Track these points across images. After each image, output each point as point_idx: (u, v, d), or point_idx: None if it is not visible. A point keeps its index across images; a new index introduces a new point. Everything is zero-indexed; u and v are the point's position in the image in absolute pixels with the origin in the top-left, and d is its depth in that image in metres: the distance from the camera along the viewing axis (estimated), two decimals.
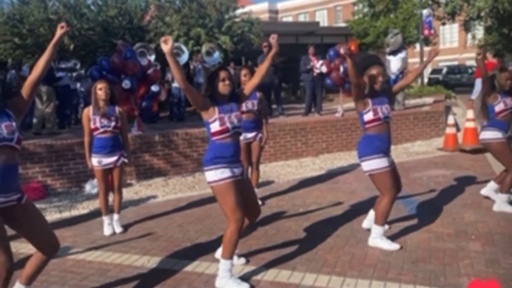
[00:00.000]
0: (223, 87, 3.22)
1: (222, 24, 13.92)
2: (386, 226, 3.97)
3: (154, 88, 7.97)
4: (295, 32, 20.26)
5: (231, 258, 3.18)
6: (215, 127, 3.18)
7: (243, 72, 4.97)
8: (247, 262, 3.60)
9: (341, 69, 8.84)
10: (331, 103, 13.02)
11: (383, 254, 3.67)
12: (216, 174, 3.15)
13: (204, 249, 3.92)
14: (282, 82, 13.41)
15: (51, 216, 5.27)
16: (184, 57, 10.82)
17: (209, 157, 3.21)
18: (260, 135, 5.10)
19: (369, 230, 4.00)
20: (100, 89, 4.36)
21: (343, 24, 27.24)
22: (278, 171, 7.14)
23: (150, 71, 7.88)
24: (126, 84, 7.20)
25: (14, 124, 2.65)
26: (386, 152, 3.81)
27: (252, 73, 5.05)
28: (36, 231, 2.81)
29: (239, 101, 3.40)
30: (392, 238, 3.95)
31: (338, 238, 4.09)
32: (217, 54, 10.81)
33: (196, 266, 3.60)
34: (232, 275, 3.20)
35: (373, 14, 21.35)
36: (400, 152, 8.19)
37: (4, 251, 2.62)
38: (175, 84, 10.55)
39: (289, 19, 44.87)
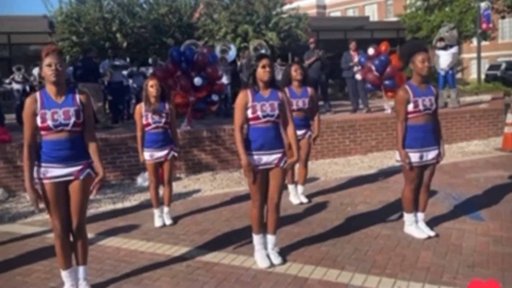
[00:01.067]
0: (263, 73, 3.37)
1: (269, 20, 13.92)
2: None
3: (214, 97, 8.14)
4: (343, 27, 19.92)
5: (256, 233, 3.52)
6: (248, 114, 3.41)
7: (294, 67, 4.94)
8: (284, 262, 3.57)
9: (373, 67, 8.61)
10: (379, 100, 12.67)
11: (436, 257, 3.54)
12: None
13: (251, 244, 3.92)
14: (329, 78, 13.22)
15: (105, 207, 5.49)
16: (232, 54, 10.94)
17: (245, 140, 3.44)
18: (309, 132, 5.06)
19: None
20: (152, 86, 4.47)
21: (394, 19, 26.41)
22: (325, 169, 7.05)
23: (218, 81, 8.16)
24: (198, 82, 7.42)
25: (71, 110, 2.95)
26: (423, 146, 3.77)
27: (302, 68, 5.01)
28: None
29: (277, 92, 3.47)
30: (447, 240, 3.81)
31: (388, 239, 3.98)
32: (263, 51, 10.82)
33: (244, 261, 3.62)
34: (260, 250, 3.52)
35: (426, 7, 20.55)
36: (455, 152, 7.85)
37: (58, 220, 2.92)
38: (222, 81, 10.66)
39: (337, 14, 44.11)
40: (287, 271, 3.41)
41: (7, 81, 10.99)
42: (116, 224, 4.78)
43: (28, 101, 2.94)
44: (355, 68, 9.23)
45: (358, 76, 8.97)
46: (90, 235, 4.34)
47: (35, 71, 10.69)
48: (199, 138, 7.31)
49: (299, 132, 4.95)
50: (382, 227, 4.28)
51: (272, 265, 3.47)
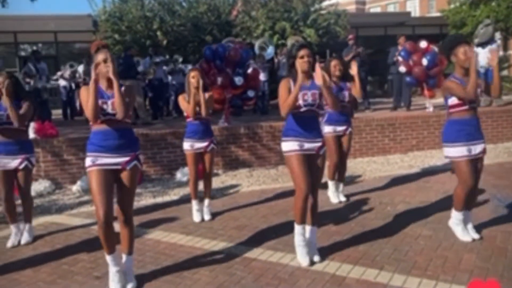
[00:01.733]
0: (302, 63, 3.38)
1: (308, 17, 13.81)
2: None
3: (250, 93, 8.19)
4: (383, 23, 19.46)
5: (299, 223, 3.46)
6: None
7: (333, 63, 4.91)
8: (321, 260, 3.55)
9: (425, 62, 8.33)
10: (420, 98, 12.34)
11: (480, 260, 3.42)
12: (287, 146, 3.45)
13: (289, 241, 3.93)
14: (368, 75, 12.99)
15: (146, 200, 5.65)
16: (269, 51, 10.95)
17: (284, 129, 3.54)
18: (350, 129, 5.01)
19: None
20: (193, 77, 4.55)
21: (436, 14, 25.58)
22: (363, 167, 6.95)
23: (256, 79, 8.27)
24: (239, 81, 7.53)
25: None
26: (470, 140, 3.64)
27: (342, 64, 4.97)
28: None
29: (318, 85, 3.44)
30: (491, 243, 3.68)
31: (429, 240, 3.89)
32: None
33: (281, 258, 3.63)
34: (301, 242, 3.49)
35: (472, 2, 19.75)
36: (501, 152, 7.55)
37: (102, 207, 2.99)
38: (260, 78, 10.70)
39: (377, 10, 43.19)
40: (324, 269, 3.39)
41: (54, 77, 11.46)
42: (156, 217, 4.91)
43: (83, 89, 3.12)
44: (399, 59, 8.93)
45: (403, 69, 8.68)
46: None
47: (80, 68, 11.09)
48: (236, 134, 7.37)
49: (340, 128, 4.94)
50: (422, 227, 4.18)
51: (312, 263, 3.46)
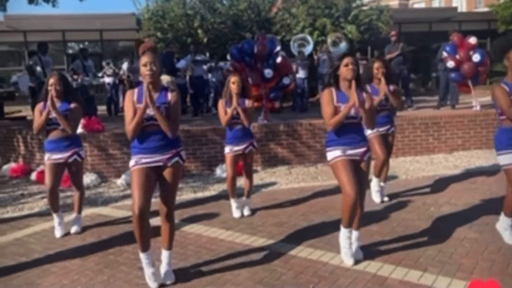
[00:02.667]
0: (346, 71, 3.32)
1: (349, 13, 13.61)
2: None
3: (286, 80, 8.17)
4: (428, 19, 18.88)
5: (346, 227, 3.43)
6: None
7: (376, 65, 4.72)
8: (363, 259, 3.52)
9: (477, 58, 7.99)
10: (467, 96, 11.90)
11: None
12: (331, 154, 3.43)
13: (329, 240, 3.92)
14: (411, 72, 12.66)
15: (187, 195, 5.76)
16: (309, 48, 10.86)
17: (327, 140, 3.50)
18: (392, 128, 4.91)
19: None
20: (233, 83, 4.54)
21: (484, 9, 24.54)
22: (406, 167, 6.79)
23: (288, 68, 8.22)
24: (268, 74, 7.53)
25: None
26: None
27: (385, 66, 4.78)
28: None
29: (362, 93, 3.39)
30: None
31: (475, 242, 3.76)
32: (343, 44, 10.62)
33: (321, 256, 3.62)
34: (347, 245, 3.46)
35: None
36: None
37: (140, 202, 3.04)
38: (299, 75, 10.65)
39: (422, 5, 41.87)
40: (365, 268, 3.36)
41: (99, 74, 11.87)
42: (197, 212, 5.00)
43: (128, 93, 3.20)
44: (444, 54, 8.60)
45: (451, 63, 8.35)
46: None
47: (124, 65, 11.42)
48: (275, 132, 7.38)
49: (382, 129, 4.83)
50: (468, 229, 4.05)
51: (356, 261, 3.44)
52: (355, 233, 3.55)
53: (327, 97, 3.40)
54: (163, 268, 3.30)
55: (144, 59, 3.07)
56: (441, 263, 3.39)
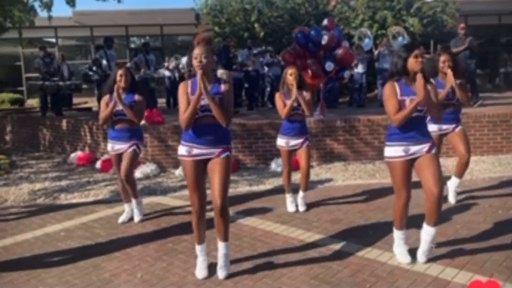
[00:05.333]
0: (415, 63, 3.18)
1: (411, 5, 13.09)
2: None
3: (345, 74, 8.04)
4: (497, 11, 17.73)
5: (398, 228, 3.38)
6: None
7: (442, 58, 4.48)
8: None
9: None
10: None
11: None
12: (390, 151, 3.29)
13: (387, 239, 3.80)
14: (477, 68, 11.98)
15: (242, 188, 5.83)
16: (367, 42, 10.56)
17: (388, 133, 3.35)
18: (460, 127, 4.64)
19: None
20: (291, 75, 4.53)
21: None
22: (471, 167, 6.35)
23: (350, 61, 8.11)
24: (329, 66, 7.45)
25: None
26: None
27: (453, 60, 4.53)
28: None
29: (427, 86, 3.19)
30: None
31: None
32: (400, 39, 10.23)
33: (379, 255, 3.53)
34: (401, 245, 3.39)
35: None
36: None
37: (196, 196, 3.14)
38: (357, 70, 10.42)
39: None
40: (426, 271, 3.23)
41: (160, 68, 12.25)
42: (252, 205, 5.04)
43: (181, 85, 3.22)
44: None
45: None
46: (229, 213, 4.69)
47: (184, 59, 11.71)
48: (332, 127, 7.27)
49: (446, 126, 4.59)
50: None
51: (413, 261, 3.32)
52: (431, 230, 3.28)
53: (390, 91, 3.25)
54: (219, 259, 3.32)
55: (195, 52, 3.11)
56: (509, 270, 3.19)
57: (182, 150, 3.22)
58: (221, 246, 3.32)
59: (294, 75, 4.52)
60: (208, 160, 3.21)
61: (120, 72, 4.39)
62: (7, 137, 10.60)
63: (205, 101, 3.10)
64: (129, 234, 4.28)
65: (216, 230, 3.28)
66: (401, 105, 3.20)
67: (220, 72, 8.10)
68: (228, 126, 3.20)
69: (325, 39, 7.65)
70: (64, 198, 5.67)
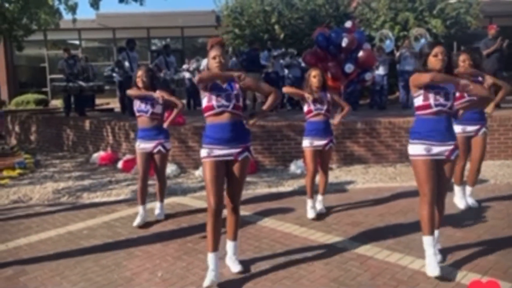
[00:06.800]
0: (435, 61, 3.15)
1: (434, 6, 12.91)
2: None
3: (367, 76, 7.99)
4: None
5: (428, 234, 3.22)
6: (418, 101, 3.24)
7: (462, 57, 4.42)
8: (444, 260, 3.35)
9: None
10: None
11: None
12: (413, 149, 3.25)
13: (408, 243, 3.77)
14: (503, 70, 11.72)
15: (261, 189, 5.84)
16: (389, 44, 10.46)
17: (411, 130, 3.33)
18: (484, 129, 4.53)
19: None
20: (314, 77, 4.52)
21: None
22: (495, 171, 6.31)
23: (372, 63, 8.04)
24: (349, 68, 7.42)
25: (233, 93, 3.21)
26: None
27: (472, 59, 4.46)
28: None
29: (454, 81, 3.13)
30: None
31: None
32: (423, 40, 10.10)
33: (400, 259, 3.49)
34: (432, 256, 3.21)
35: None
36: None
37: (214, 197, 3.12)
38: (378, 72, 10.31)
39: None
40: (448, 275, 3.17)
41: (181, 70, 12.39)
42: (271, 206, 5.04)
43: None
44: None
45: None
46: (248, 213, 4.71)
47: (204, 61, 11.80)
48: (352, 129, 7.22)
49: (471, 128, 4.50)
50: None
51: (442, 273, 3.16)
52: (436, 234, 3.33)
53: (416, 77, 3.18)
54: (230, 259, 3.38)
55: (213, 53, 3.18)
56: None
57: (203, 152, 3.25)
58: (231, 245, 3.39)
59: (318, 78, 4.51)
60: (227, 162, 3.23)
61: (139, 73, 4.51)
62: (32, 137, 10.87)
63: (222, 97, 3.15)
64: (150, 233, 4.33)
65: (227, 230, 3.36)
66: (425, 97, 3.16)
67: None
68: (276, 97, 3.34)
69: (345, 41, 7.62)
70: (87, 197, 5.79)
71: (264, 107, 3.39)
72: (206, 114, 3.23)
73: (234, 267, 3.37)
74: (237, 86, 3.25)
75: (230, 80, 3.25)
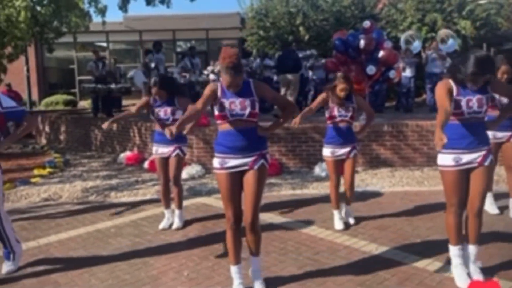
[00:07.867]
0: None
1: (463, 7, 12.63)
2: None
3: (391, 74, 7.88)
4: None
5: (454, 244, 3.13)
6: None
7: (502, 69, 4.18)
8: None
9: None
10: None
11: None
12: (442, 159, 3.10)
13: (436, 248, 3.68)
14: None
15: (286, 191, 5.83)
16: (416, 45, 10.28)
17: None
18: None
19: None
20: (341, 91, 4.24)
21: None
22: None
23: (394, 62, 7.93)
24: (371, 70, 7.34)
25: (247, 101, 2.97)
26: None
27: (507, 63, 4.28)
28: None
29: (487, 86, 3.03)
30: None
31: None
32: (451, 41, 9.90)
33: (428, 264, 3.42)
34: (459, 266, 3.11)
35: None
36: None
37: (232, 210, 2.99)
38: (405, 74, 10.15)
39: None
40: None
41: (205, 72, 12.49)
42: (296, 209, 5.02)
43: (211, 86, 3.04)
44: None
45: None
46: (272, 215, 4.71)
47: None
48: (378, 132, 7.13)
49: (501, 134, 4.34)
50: None
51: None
52: (472, 248, 3.14)
53: (442, 87, 3.00)
54: (253, 273, 3.16)
55: (229, 52, 2.96)
56: None
57: (215, 162, 3.06)
58: (255, 261, 3.16)
59: (345, 92, 4.24)
60: (243, 172, 3.03)
61: (153, 90, 4.40)
62: (61, 137, 11.15)
63: (235, 105, 2.94)
64: (176, 233, 4.38)
65: (247, 245, 3.11)
66: (457, 105, 2.98)
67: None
68: (291, 111, 3.21)
69: (362, 43, 7.53)
70: (114, 196, 5.90)
71: (281, 120, 3.24)
72: (218, 122, 3.04)
73: (257, 285, 3.12)
74: (253, 90, 3.01)
75: (245, 84, 3.01)
